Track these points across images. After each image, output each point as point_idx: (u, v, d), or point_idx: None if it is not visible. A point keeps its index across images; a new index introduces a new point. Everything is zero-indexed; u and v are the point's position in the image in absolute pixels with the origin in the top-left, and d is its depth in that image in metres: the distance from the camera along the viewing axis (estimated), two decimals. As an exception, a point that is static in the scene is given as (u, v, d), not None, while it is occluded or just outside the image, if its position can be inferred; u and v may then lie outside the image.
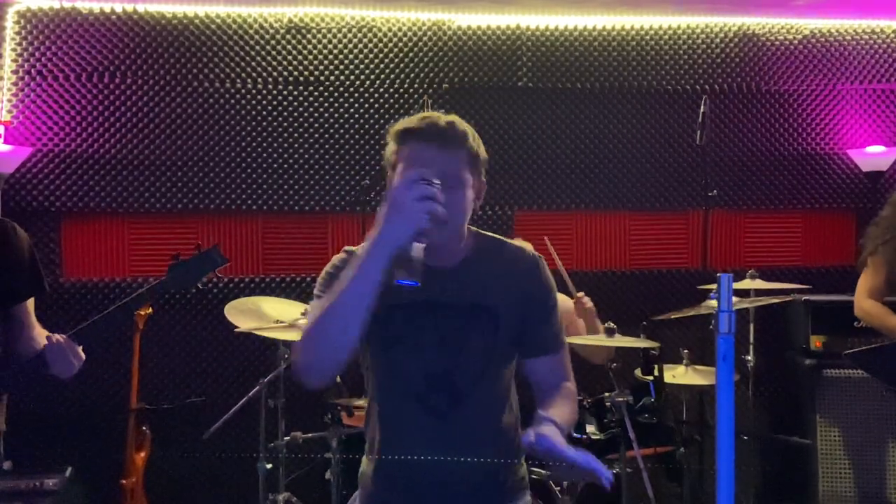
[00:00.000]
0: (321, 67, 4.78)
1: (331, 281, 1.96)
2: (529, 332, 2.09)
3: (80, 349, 2.43)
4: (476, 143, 2.03)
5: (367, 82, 4.82)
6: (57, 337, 2.40)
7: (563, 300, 4.17)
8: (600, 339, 3.59)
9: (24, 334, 2.53)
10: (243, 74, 4.72)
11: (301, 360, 1.86)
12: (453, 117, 2.01)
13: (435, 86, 4.86)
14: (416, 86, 4.84)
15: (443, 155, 1.94)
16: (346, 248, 2.11)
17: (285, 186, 4.76)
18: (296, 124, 4.78)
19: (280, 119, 4.76)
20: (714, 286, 1.33)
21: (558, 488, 3.49)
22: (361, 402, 3.74)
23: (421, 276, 1.74)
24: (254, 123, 4.74)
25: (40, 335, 2.54)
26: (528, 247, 2.25)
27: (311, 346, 1.86)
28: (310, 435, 3.88)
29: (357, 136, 4.80)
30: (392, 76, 4.83)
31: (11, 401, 2.66)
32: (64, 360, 2.39)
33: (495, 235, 2.17)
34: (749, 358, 4.35)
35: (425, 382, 2.03)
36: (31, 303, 2.58)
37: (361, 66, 4.81)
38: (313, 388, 1.89)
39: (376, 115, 4.81)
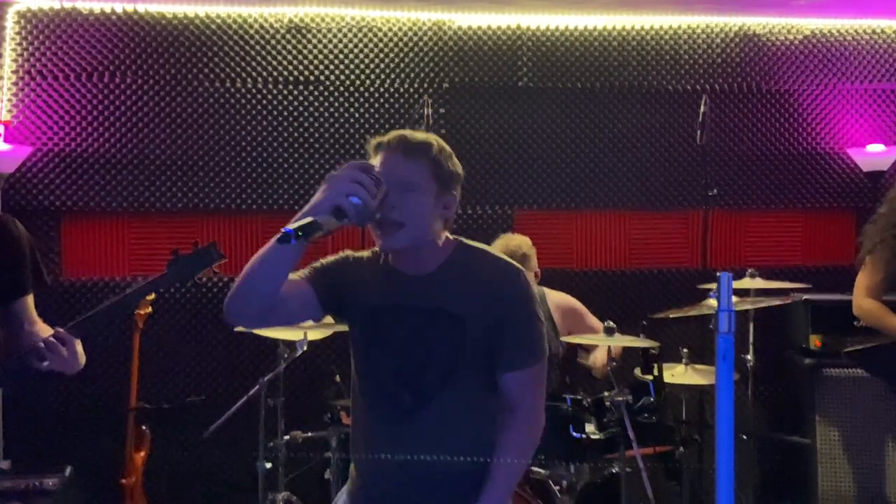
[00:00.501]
0: (321, 67, 4.78)
1: (320, 266, 2.17)
2: (501, 347, 2.11)
3: (78, 344, 2.43)
4: (445, 158, 2.11)
5: (367, 82, 4.82)
6: (51, 337, 2.39)
7: (568, 299, 4.19)
8: (600, 339, 3.59)
9: (25, 329, 2.54)
10: (243, 74, 4.72)
11: (228, 299, 2.01)
12: (433, 137, 2.12)
13: (435, 86, 4.86)
14: (416, 86, 4.84)
15: (406, 162, 2.05)
16: (347, 251, 2.25)
17: (285, 186, 4.77)
18: (296, 124, 4.78)
19: (280, 119, 4.76)
20: (714, 285, 1.33)
21: (557, 488, 3.49)
22: (361, 402, 3.74)
23: (304, 235, 1.77)
24: (254, 123, 4.74)
25: (42, 330, 2.54)
26: (502, 245, 2.24)
27: (238, 286, 1.99)
28: (309, 434, 3.88)
29: (357, 136, 4.81)
30: (392, 76, 4.83)
31: (14, 399, 2.67)
32: (60, 356, 2.38)
33: (479, 246, 2.22)
34: (749, 357, 4.35)
35: (394, 381, 2.12)
36: (31, 298, 2.58)
37: (361, 66, 4.81)
38: (235, 324, 2.11)
39: (376, 115, 4.81)
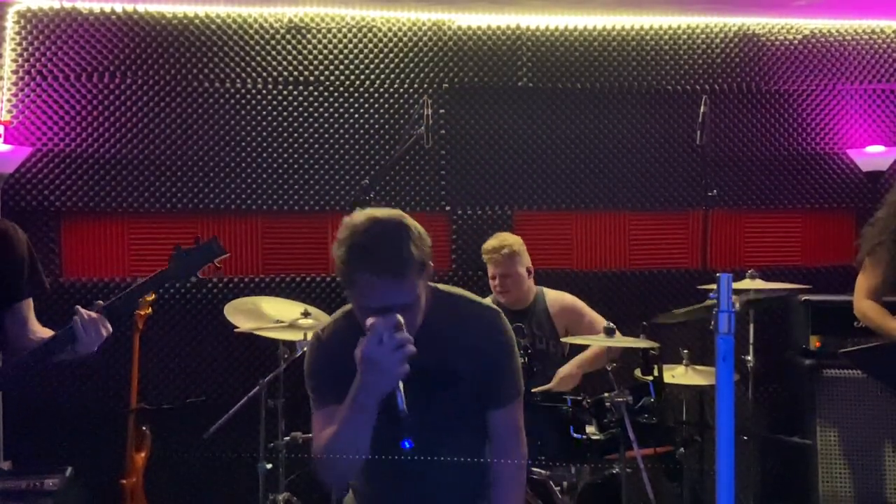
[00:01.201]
0: (321, 67, 4.78)
1: (315, 377, 2.21)
2: (490, 386, 2.22)
3: (106, 321, 2.45)
4: (420, 248, 2.07)
5: (367, 82, 4.82)
6: (86, 310, 2.42)
7: (566, 297, 4.19)
8: (600, 340, 3.59)
9: (24, 333, 2.55)
10: (243, 74, 4.72)
11: (321, 475, 2.18)
12: (400, 228, 2.05)
13: (435, 86, 4.86)
14: (416, 86, 4.84)
15: (402, 285, 2.03)
16: (317, 332, 2.29)
17: (285, 186, 4.76)
18: (296, 124, 4.78)
19: (280, 119, 4.76)
20: (714, 286, 1.33)
21: (558, 488, 3.50)
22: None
23: (408, 430, 1.92)
24: (254, 123, 4.74)
25: (41, 331, 2.56)
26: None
27: (326, 470, 2.15)
28: (310, 435, 3.87)
29: (357, 136, 4.80)
30: (392, 76, 4.83)
31: (14, 399, 2.69)
32: (96, 332, 2.40)
33: (454, 291, 2.30)
34: (749, 358, 4.34)
35: (394, 443, 2.08)
36: (30, 303, 2.60)
37: (361, 66, 4.81)
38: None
39: (376, 115, 4.81)
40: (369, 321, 1.97)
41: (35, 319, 2.61)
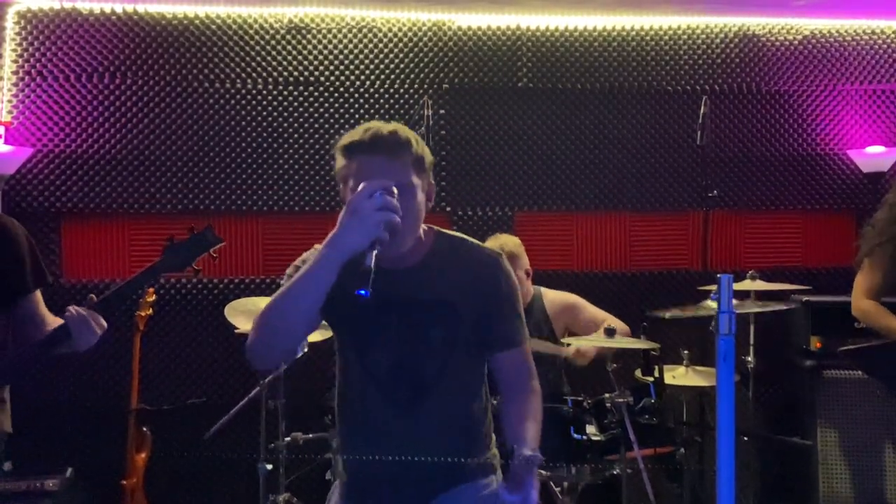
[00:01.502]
0: (321, 68, 4.78)
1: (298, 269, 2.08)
2: (491, 329, 2.17)
3: (100, 317, 2.44)
4: (420, 147, 2.10)
5: (367, 82, 4.82)
6: (77, 308, 2.41)
7: (564, 296, 4.19)
8: (600, 341, 3.60)
9: (35, 326, 2.54)
10: (243, 74, 4.72)
11: (250, 344, 2.03)
12: (395, 125, 2.08)
13: (435, 86, 4.86)
14: (416, 86, 4.84)
15: (391, 164, 2.01)
16: (317, 245, 2.13)
17: (285, 187, 4.76)
18: (296, 124, 4.78)
19: (280, 119, 4.76)
20: (714, 287, 1.33)
21: (558, 489, 3.50)
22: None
23: (370, 284, 1.80)
24: (254, 124, 4.74)
25: (54, 323, 2.55)
26: (492, 245, 2.43)
27: (260, 332, 2.02)
28: (310, 436, 3.88)
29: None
30: (392, 76, 4.83)
31: (14, 400, 2.68)
32: (87, 328, 2.39)
33: (456, 234, 2.26)
34: (749, 359, 4.35)
35: (388, 377, 2.12)
36: (39, 296, 2.59)
37: (361, 67, 4.81)
38: (260, 369, 2.09)
39: (376, 116, 4.81)
40: (363, 183, 1.93)
41: (47, 311, 2.60)
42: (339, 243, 1.88)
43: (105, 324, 2.45)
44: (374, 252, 1.84)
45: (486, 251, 2.24)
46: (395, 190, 1.91)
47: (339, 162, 2.09)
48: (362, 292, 1.78)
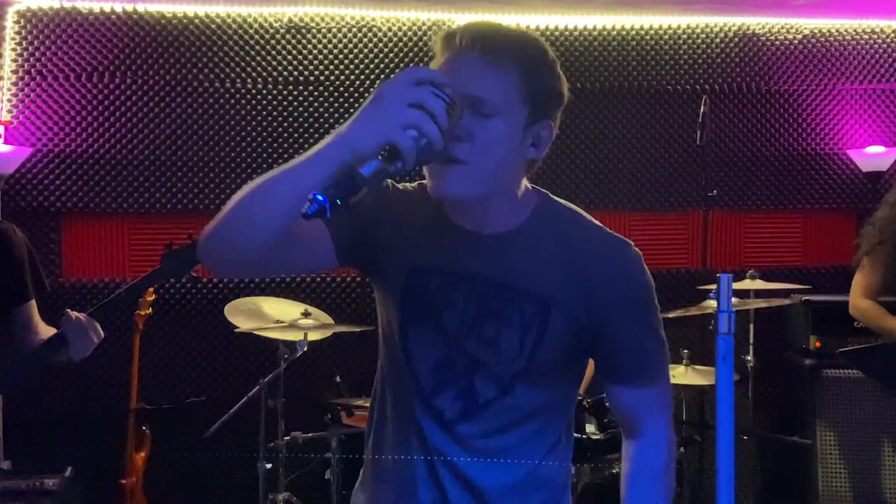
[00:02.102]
0: (321, 67, 4.78)
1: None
2: (609, 348, 1.55)
3: (98, 326, 2.45)
4: (546, 67, 1.52)
5: (367, 82, 4.82)
6: (76, 314, 2.41)
7: None
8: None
9: (30, 334, 2.55)
10: (243, 74, 4.72)
11: (205, 231, 1.49)
12: (530, 35, 1.55)
13: (435, 86, 4.85)
14: (416, 86, 4.83)
15: (485, 70, 1.42)
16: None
17: (285, 186, 4.76)
18: (296, 124, 4.78)
19: (280, 119, 4.76)
20: (714, 286, 1.33)
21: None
22: (361, 402, 3.75)
23: (344, 199, 1.24)
24: (254, 123, 4.74)
25: (46, 332, 2.55)
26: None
27: (220, 220, 1.45)
28: (310, 435, 3.88)
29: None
30: (392, 76, 4.82)
31: (14, 399, 2.68)
32: (84, 336, 2.39)
33: (573, 207, 1.64)
34: (749, 358, 4.35)
35: (434, 377, 1.55)
36: (33, 304, 2.59)
37: (361, 66, 4.81)
38: (211, 267, 1.57)
39: (376, 115, 4.80)
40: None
41: (40, 321, 2.61)
42: (345, 135, 1.32)
43: (102, 333, 2.45)
44: (380, 165, 1.27)
45: (612, 233, 1.60)
46: (450, 94, 1.32)
47: (434, 63, 1.52)
48: (324, 201, 1.22)
